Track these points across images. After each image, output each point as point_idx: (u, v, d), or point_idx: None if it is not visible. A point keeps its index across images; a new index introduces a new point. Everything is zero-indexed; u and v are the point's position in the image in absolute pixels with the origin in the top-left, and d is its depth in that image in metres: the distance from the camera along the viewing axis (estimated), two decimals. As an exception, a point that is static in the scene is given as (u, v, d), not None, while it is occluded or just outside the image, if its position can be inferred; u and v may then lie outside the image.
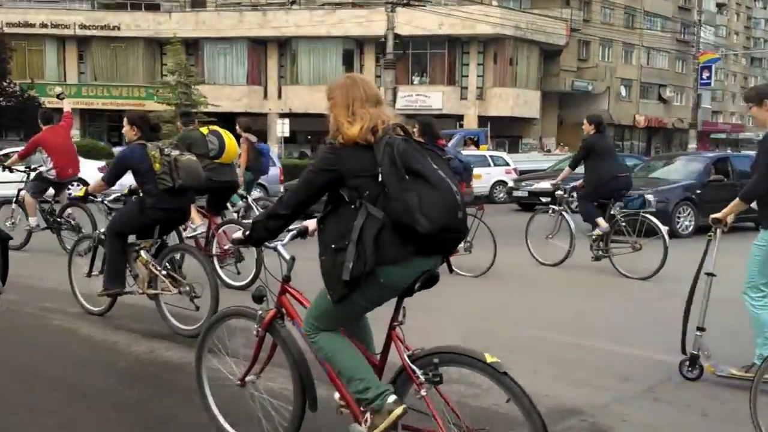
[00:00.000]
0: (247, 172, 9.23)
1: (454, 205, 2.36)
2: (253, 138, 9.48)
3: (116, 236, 5.05)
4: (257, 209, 8.25)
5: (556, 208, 7.86)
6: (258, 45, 35.63)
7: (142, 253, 5.04)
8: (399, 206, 2.31)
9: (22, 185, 8.74)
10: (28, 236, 8.54)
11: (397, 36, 23.97)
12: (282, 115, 34.58)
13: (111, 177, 5.18)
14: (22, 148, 8.91)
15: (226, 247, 6.49)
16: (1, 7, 25.08)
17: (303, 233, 2.83)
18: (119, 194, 5.52)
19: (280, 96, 35.52)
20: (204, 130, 6.82)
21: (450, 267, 6.86)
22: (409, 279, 2.44)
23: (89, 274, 5.41)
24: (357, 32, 33.51)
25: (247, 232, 2.70)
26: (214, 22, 34.91)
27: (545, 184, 12.34)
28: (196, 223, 6.66)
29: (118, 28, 35.10)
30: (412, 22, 32.60)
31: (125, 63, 36.09)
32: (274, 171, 14.55)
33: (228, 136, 6.85)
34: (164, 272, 4.93)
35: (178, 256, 5.34)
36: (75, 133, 27.18)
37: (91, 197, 5.43)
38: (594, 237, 7.49)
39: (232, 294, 5.95)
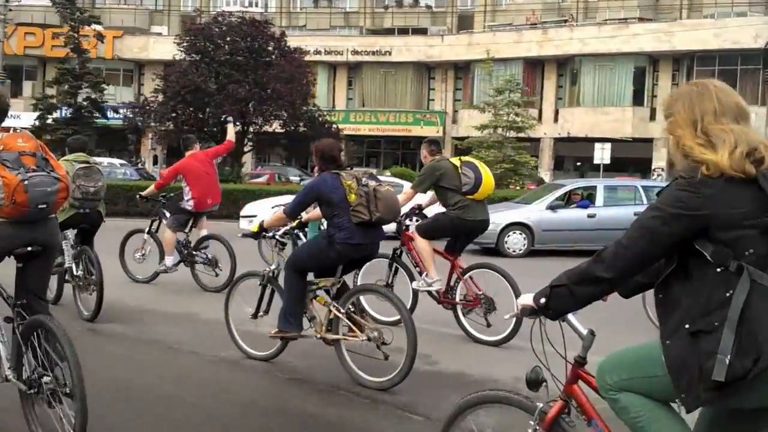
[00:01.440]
0: None
1: None
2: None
3: (297, 273, 4.66)
4: None
5: None
6: (534, 65, 33.09)
7: (321, 293, 4.73)
8: None
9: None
10: (157, 274, 7.84)
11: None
12: (557, 140, 31.79)
13: (295, 209, 4.71)
14: (158, 179, 8.41)
15: (478, 294, 5.71)
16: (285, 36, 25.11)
17: None
18: (289, 228, 5.04)
19: (556, 119, 32.55)
20: (456, 161, 5.99)
21: None
22: None
23: (255, 315, 5.02)
24: (652, 48, 29.75)
25: (542, 300, 2.10)
26: (488, 42, 32.94)
27: None
28: (431, 276, 5.82)
29: (390, 53, 34.48)
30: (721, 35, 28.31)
31: (393, 88, 35.41)
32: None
33: (485, 169, 5.97)
34: (347, 315, 4.52)
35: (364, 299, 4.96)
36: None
37: (263, 233, 4.89)
38: None
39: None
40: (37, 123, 27.76)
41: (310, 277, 4.76)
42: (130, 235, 8.11)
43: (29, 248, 3.41)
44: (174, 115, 23.37)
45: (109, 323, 6.02)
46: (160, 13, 39.04)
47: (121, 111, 27.42)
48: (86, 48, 28.27)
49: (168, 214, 7.85)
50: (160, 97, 23.66)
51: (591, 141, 25.80)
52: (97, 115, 27.37)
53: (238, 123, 24.01)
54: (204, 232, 7.84)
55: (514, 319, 5.03)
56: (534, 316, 2.21)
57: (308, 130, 24.96)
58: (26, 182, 3.26)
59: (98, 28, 28.52)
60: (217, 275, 7.54)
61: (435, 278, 5.79)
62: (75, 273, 6.27)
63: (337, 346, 4.57)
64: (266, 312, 4.97)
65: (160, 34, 37.33)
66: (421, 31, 36.71)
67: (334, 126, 26.55)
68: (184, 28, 24.90)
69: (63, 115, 28.43)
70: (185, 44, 23.88)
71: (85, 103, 27.97)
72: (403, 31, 36.90)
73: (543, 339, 2.24)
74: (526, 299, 2.20)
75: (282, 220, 4.80)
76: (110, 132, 29.35)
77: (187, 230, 7.86)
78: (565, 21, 32.80)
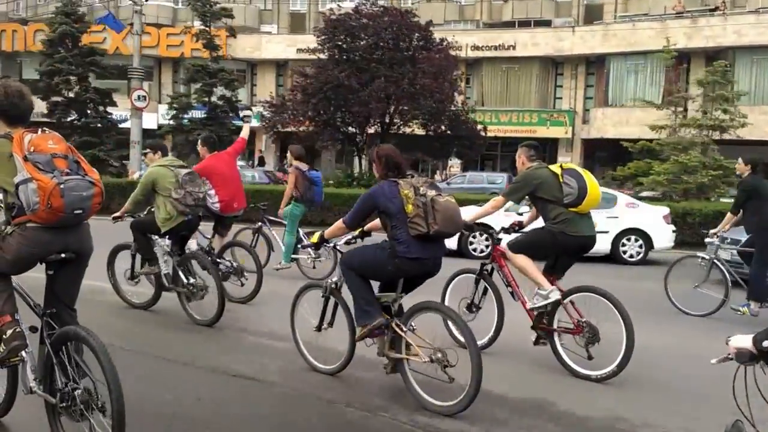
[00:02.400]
0: (297, 204, 8.58)
1: None
2: (304, 166, 8.63)
3: (352, 270, 4.47)
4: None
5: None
6: (679, 59, 30.04)
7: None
8: None
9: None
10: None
11: None
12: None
13: (355, 219, 4.48)
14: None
15: (580, 321, 5.04)
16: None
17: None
18: (351, 237, 4.77)
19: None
20: (556, 168, 5.28)
21: None
22: None
23: (319, 327, 4.85)
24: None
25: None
26: (627, 34, 30.12)
27: None
28: (545, 287, 5.14)
29: (513, 47, 32.01)
30: None
31: (516, 86, 32.93)
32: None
33: (589, 178, 5.23)
34: (410, 334, 4.34)
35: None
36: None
37: (324, 243, 4.79)
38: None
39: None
40: (172, 123, 26.98)
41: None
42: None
43: (62, 255, 3.35)
44: (315, 113, 21.52)
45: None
46: (269, 12, 37.78)
47: (251, 110, 25.85)
48: (219, 45, 27.07)
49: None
50: (299, 96, 21.87)
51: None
52: (232, 114, 25.92)
53: (377, 122, 22.14)
54: (220, 242, 7.50)
55: (621, 354, 4.78)
56: (752, 363, 2.00)
57: (451, 131, 22.89)
58: (62, 186, 3.18)
59: (227, 22, 27.27)
60: (242, 285, 7.18)
61: (549, 288, 5.14)
62: (184, 281, 6.23)
63: (400, 366, 4.41)
64: (330, 324, 4.85)
65: (269, 32, 36.09)
66: (545, 23, 34.18)
67: (480, 126, 24.31)
68: (325, 19, 23.01)
69: (189, 115, 27.31)
70: (323, 38, 22.06)
71: (219, 102, 26.66)
72: (524, 24, 34.46)
73: (746, 388, 2.03)
74: (743, 342, 2.02)
75: (342, 230, 4.61)
76: (236, 132, 27.85)
77: (209, 236, 7.56)
78: (715, 9, 29.64)
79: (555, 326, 5.19)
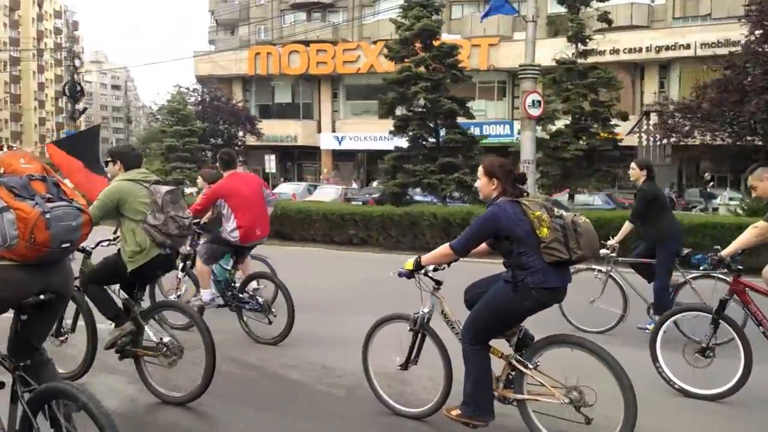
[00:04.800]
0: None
1: None
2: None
3: (480, 345, 3.91)
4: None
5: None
6: None
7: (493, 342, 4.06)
8: None
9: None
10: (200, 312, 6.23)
11: None
12: None
13: (468, 243, 3.89)
14: (196, 201, 6.61)
15: None
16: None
17: None
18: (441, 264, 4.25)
19: None
20: None
21: None
22: None
23: (406, 365, 4.38)
24: None
25: None
26: None
27: None
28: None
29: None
30: None
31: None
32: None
33: None
34: (537, 372, 3.85)
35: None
36: None
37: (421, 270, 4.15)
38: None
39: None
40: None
41: None
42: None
43: (41, 296, 2.93)
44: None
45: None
46: (522, 18, 34.32)
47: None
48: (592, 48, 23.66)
49: (200, 249, 6.52)
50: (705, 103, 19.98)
51: None
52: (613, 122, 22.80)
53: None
54: (251, 270, 6.79)
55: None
56: None
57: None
58: (48, 216, 2.78)
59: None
60: (270, 323, 6.25)
61: None
62: (153, 341, 4.64)
63: (522, 408, 3.91)
64: (415, 362, 4.37)
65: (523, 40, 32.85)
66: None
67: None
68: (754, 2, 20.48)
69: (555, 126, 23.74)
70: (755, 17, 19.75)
71: (589, 108, 23.19)
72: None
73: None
74: None
75: (448, 257, 3.99)
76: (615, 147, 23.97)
77: (229, 267, 6.70)
78: None
79: None
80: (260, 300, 6.32)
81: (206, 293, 6.41)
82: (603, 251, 6.73)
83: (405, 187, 19.55)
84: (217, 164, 6.71)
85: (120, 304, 4.83)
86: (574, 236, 3.70)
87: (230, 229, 6.27)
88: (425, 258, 4.07)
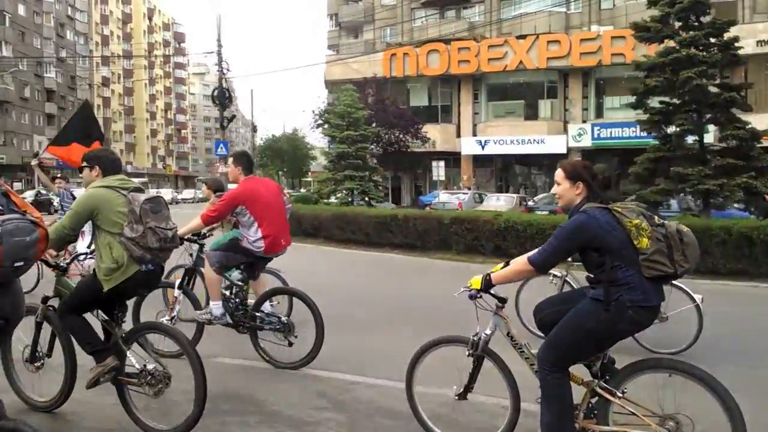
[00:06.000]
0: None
1: None
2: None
3: (560, 372, 3.42)
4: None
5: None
6: None
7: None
8: None
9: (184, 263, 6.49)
10: (201, 328, 5.89)
11: None
12: None
13: (551, 258, 3.40)
14: (209, 207, 6.09)
15: None
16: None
17: None
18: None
19: None
20: None
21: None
22: None
23: (464, 395, 3.95)
24: None
25: None
26: None
27: None
28: None
29: None
30: None
31: None
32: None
33: None
34: (626, 401, 3.41)
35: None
36: None
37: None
38: None
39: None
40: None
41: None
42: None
43: None
44: None
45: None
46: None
47: None
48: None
49: (211, 255, 5.81)
50: None
51: None
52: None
53: None
54: (266, 284, 6.30)
55: None
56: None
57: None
58: None
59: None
60: (290, 345, 5.56)
61: None
62: (136, 367, 4.22)
63: None
64: (470, 389, 3.99)
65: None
66: None
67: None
68: None
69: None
70: None
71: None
72: None
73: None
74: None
75: (525, 274, 3.64)
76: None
77: (241, 281, 6.24)
78: None
79: None
80: (282, 318, 5.68)
81: (217, 306, 5.74)
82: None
83: (667, 195, 15.81)
84: (233, 167, 5.92)
85: (101, 333, 4.32)
86: (680, 247, 3.28)
87: (254, 239, 5.69)
88: (497, 275, 3.59)
